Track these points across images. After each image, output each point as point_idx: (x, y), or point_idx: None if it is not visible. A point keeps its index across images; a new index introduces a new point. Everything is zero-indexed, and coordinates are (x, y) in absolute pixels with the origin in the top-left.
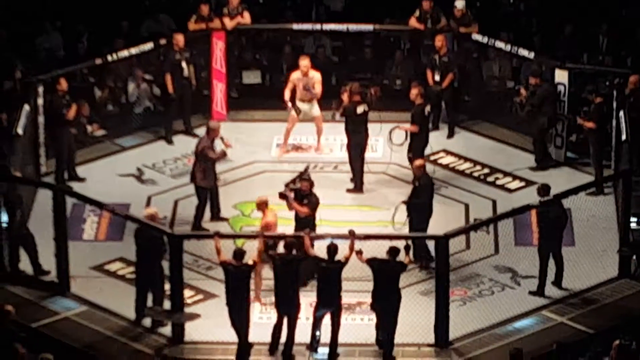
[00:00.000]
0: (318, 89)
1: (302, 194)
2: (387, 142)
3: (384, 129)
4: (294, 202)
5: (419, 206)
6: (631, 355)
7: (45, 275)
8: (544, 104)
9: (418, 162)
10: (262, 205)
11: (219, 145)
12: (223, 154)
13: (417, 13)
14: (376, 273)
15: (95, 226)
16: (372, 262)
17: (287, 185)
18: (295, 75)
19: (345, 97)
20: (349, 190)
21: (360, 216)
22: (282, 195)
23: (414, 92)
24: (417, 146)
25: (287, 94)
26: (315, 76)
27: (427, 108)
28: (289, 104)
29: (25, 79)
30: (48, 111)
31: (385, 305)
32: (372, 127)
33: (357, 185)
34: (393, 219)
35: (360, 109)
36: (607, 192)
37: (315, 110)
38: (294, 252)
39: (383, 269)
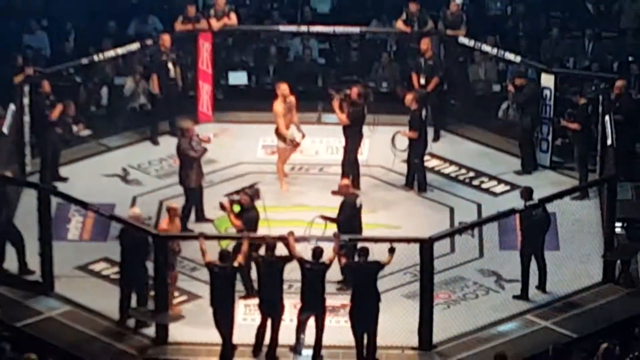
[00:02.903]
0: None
1: (242, 206)
2: (390, 147)
3: (371, 130)
4: (231, 214)
5: (342, 224)
6: (616, 359)
7: (30, 275)
8: (528, 103)
9: (343, 181)
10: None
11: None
12: (204, 151)
13: (404, 16)
14: (353, 276)
15: (80, 226)
16: (348, 265)
17: (228, 195)
18: (280, 107)
19: (336, 103)
20: (334, 192)
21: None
22: (222, 206)
23: (409, 97)
24: (417, 151)
25: (284, 131)
26: (292, 100)
27: (424, 112)
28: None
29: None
30: (33, 111)
31: (365, 307)
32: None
33: (356, 186)
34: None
35: (365, 111)
36: (592, 196)
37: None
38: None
39: (359, 271)
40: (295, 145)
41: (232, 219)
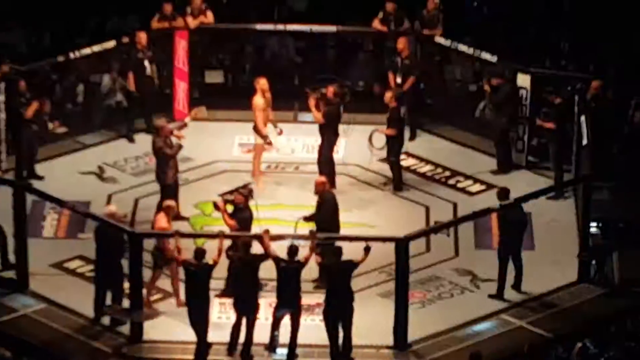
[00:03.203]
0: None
1: (235, 206)
2: (367, 146)
3: (347, 129)
4: (224, 214)
5: (321, 223)
6: (591, 359)
7: (11, 270)
8: (504, 103)
9: (319, 178)
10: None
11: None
12: (179, 148)
13: (381, 15)
14: (327, 275)
15: (55, 223)
16: (323, 264)
17: (222, 195)
18: (260, 101)
19: (312, 102)
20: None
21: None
22: (216, 206)
23: (388, 95)
24: (394, 148)
25: (262, 125)
26: (269, 96)
27: (402, 110)
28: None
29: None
30: (8, 109)
31: (339, 306)
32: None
33: (331, 185)
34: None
35: (341, 111)
36: (567, 195)
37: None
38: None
39: (334, 270)
40: (268, 143)
41: (226, 218)
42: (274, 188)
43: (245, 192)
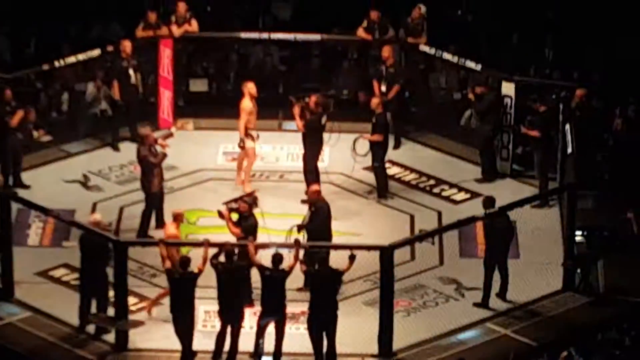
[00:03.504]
0: None
1: (240, 214)
2: (351, 153)
3: (332, 138)
4: (229, 222)
5: (314, 231)
6: None
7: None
8: (489, 112)
9: (313, 187)
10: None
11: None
12: (163, 156)
13: (365, 23)
14: (312, 283)
15: (40, 232)
16: (308, 272)
17: (226, 203)
18: (249, 104)
19: (297, 110)
20: (304, 201)
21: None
22: (220, 214)
23: (375, 101)
24: (378, 154)
25: (243, 127)
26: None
27: (388, 116)
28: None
29: None
30: None
31: (323, 314)
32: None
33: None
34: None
35: (323, 120)
36: (552, 204)
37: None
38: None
39: (318, 278)
40: (241, 147)
41: (230, 227)
42: (259, 197)
43: (250, 201)
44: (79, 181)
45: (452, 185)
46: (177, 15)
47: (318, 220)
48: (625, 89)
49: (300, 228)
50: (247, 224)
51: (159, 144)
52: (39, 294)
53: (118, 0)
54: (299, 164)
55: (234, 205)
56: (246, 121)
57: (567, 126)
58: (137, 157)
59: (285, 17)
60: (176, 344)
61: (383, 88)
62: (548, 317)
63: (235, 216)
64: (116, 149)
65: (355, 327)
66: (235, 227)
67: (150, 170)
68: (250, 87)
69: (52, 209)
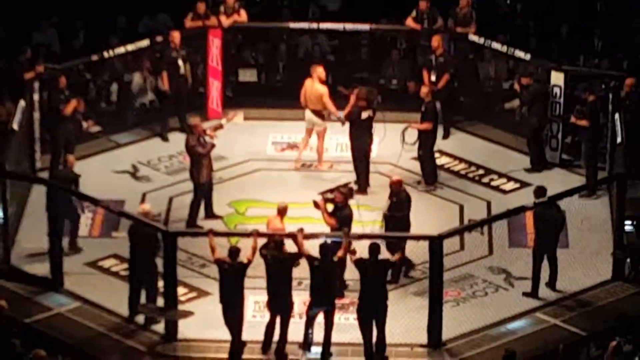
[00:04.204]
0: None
1: (335, 204)
2: (400, 142)
3: (383, 129)
4: (324, 213)
5: (399, 221)
6: (626, 357)
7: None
8: (535, 103)
9: (395, 178)
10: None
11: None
12: (212, 146)
13: (414, 13)
14: (363, 274)
15: (90, 222)
16: (359, 263)
17: (322, 194)
18: (323, 87)
19: (353, 97)
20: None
21: (356, 216)
22: (316, 204)
23: (424, 90)
24: (426, 144)
25: (333, 108)
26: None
27: (438, 105)
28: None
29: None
30: (45, 106)
31: (373, 304)
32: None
33: (362, 187)
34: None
35: (364, 115)
36: (600, 193)
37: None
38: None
39: (370, 268)
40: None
41: (325, 217)
42: (310, 186)
43: (345, 191)
44: (128, 172)
45: (501, 175)
46: (225, 6)
47: (399, 211)
48: None
49: (386, 218)
50: (342, 215)
51: (208, 134)
52: (88, 284)
53: None
54: (347, 154)
55: (329, 195)
56: (324, 103)
57: (617, 115)
58: (185, 147)
59: (334, 8)
60: (226, 335)
61: (432, 77)
62: (597, 306)
63: (330, 206)
64: (165, 139)
65: (405, 317)
66: (330, 217)
67: (199, 161)
68: (319, 72)
69: (102, 199)
